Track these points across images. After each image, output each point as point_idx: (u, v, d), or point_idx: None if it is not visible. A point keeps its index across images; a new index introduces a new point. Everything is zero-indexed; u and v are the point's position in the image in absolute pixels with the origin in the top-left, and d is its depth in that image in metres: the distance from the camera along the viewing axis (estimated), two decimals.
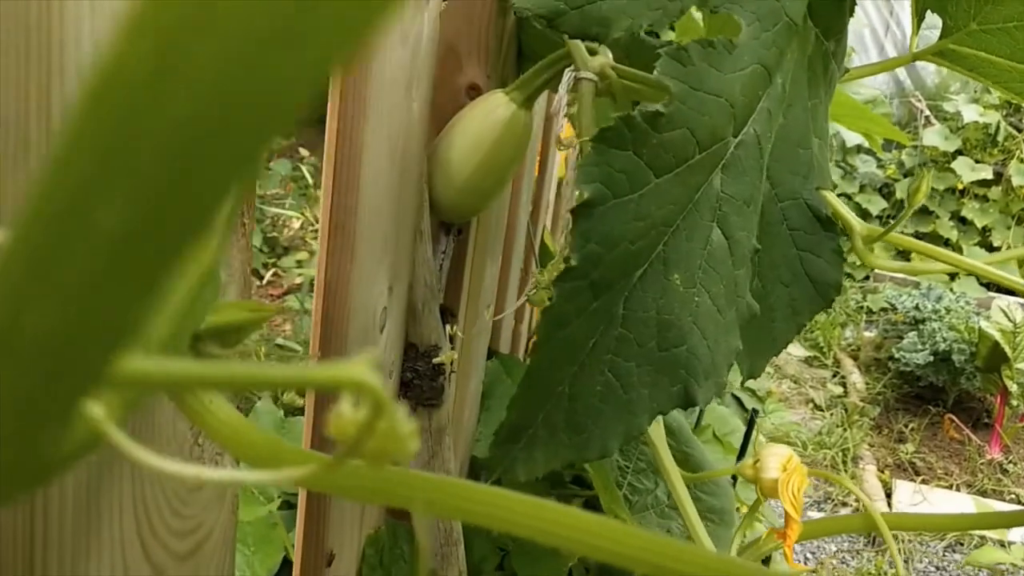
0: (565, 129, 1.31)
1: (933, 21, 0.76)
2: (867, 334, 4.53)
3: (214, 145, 0.10)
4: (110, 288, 0.10)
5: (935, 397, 3.89)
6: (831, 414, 3.81)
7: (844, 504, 3.13)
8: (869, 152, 5.46)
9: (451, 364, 0.74)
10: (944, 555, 2.93)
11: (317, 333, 0.57)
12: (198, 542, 0.41)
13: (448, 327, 0.74)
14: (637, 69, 0.63)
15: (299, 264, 3.79)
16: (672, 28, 1.13)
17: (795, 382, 4.13)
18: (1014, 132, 5.22)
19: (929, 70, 5.59)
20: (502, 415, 0.51)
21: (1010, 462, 3.48)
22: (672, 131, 0.48)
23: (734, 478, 1.25)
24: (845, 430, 3.62)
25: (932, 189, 5.29)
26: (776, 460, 0.71)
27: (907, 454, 3.51)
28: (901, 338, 4.00)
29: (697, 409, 1.71)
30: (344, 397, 0.18)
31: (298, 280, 3.63)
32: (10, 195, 0.27)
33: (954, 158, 5.27)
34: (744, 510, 0.82)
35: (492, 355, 1.19)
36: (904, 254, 4.58)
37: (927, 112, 5.42)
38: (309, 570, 0.62)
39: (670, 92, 0.48)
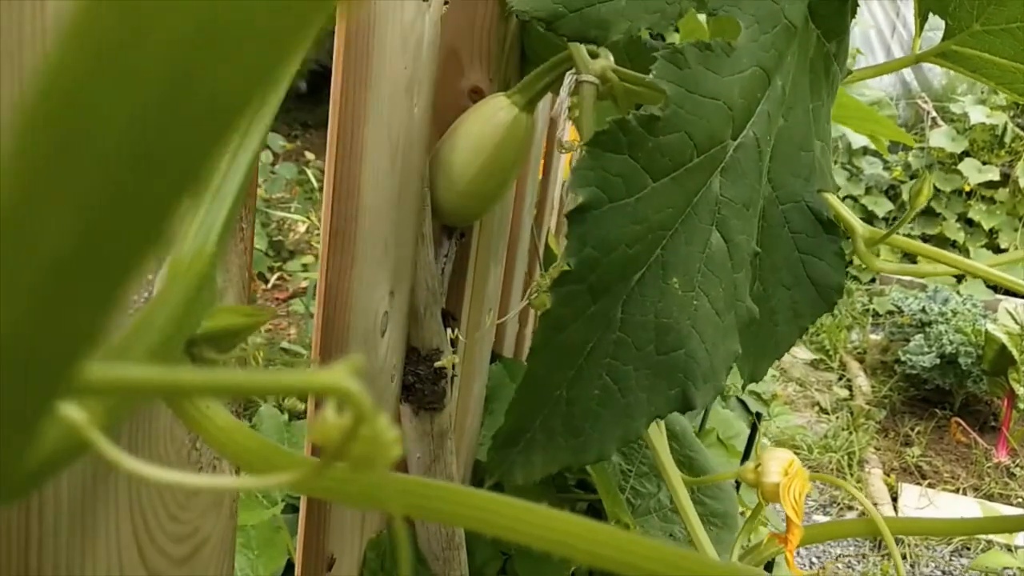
0: (569, 132, 1.31)
1: (937, 22, 0.76)
2: (873, 337, 4.52)
3: (158, 151, 0.10)
4: (61, 301, 0.10)
5: (941, 400, 3.88)
6: (837, 417, 3.80)
7: (850, 508, 3.12)
8: (875, 154, 5.45)
9: (453, 368, 0.75)
10: (951, 559, 2.91)
11: (318, 337, 0.57)
12: (195, 546, 0.41)
13: (450, 331, 0.74)
14: (639, 72, 0.63)
15: (304, 268, 3.80)
16: (677, 30, 1.13)
17: (801, 385, 4.12)
18: (1021, 133, 5.21)
19: (936, 71, 5.57)
20: None
21: (1017, 466, 3.47)
22: (669, 134, 0.48)
23: (738, 482, 1.25)
24: (851, 433, 3.60)
25: (938, 191, 5.27)
26: (777, 464, 0.71)
27: (913, 457, 3.49)
28: (907, 341, 3.99)
29: (701, 412, 1.70)
30: (328, 403, 0.18)
31: (303, 284, 3.64)
32: None
33: (961, 160, 5.26)
34: (748, 514, 0.82)
35: (496, 359, 1.19)
36: (911, 256, 4.56)
37: (934, 113, 5.41)
38: (310, 574, 0.62)
39: (666, 95, 0.47)
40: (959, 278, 4.69)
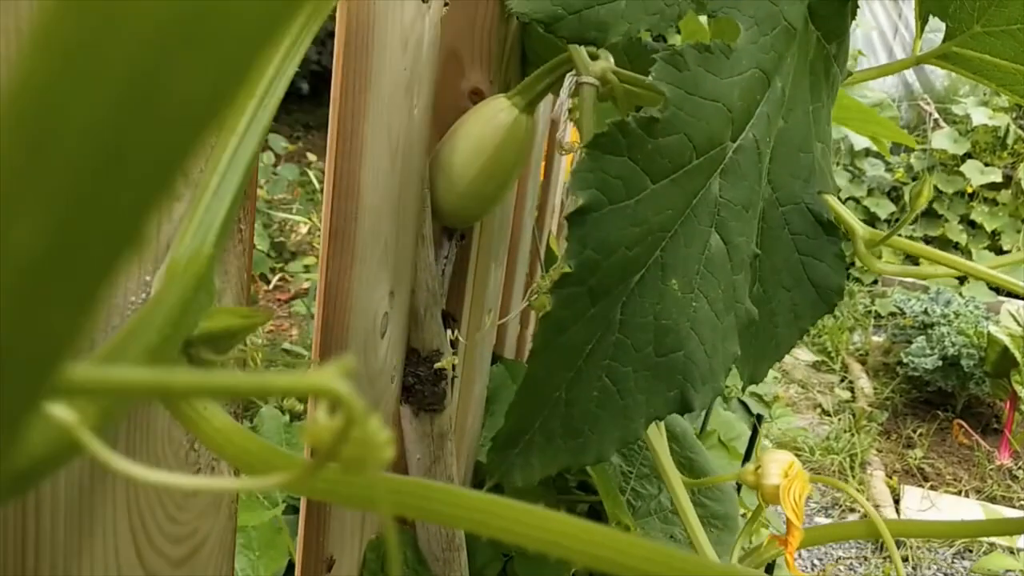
0: (571, 133, 1.31)
1: (939, 24, 0.76)
2: (875, 338, 4.51)
3: (127, 152, 0.10)
4: (36, 302, 0.10)
5: (944, 402, 3.88)
6: (839, 419, 3.80)
7: (852, 510, 3.11)
8: (877, 156, 5.45)
9: (453, 369, 0.74)
10: (953, 562, 2.91)
11: (318, 338, 0.57)
12: (194, 547, 0.41)
13: (450, 332, 0.74)
14: (639, 74, 0.63)
15: (306, 269, 3.81)
16: (678, 32, 1.13)
17: (803, 387, 4.12)
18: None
19: (938, 73, 5.57)
20: None
21: (1019, 468, 3.46)
22: (668, 136, 0.48)
23: (739, 484, 1.25)
24: (853, 435, 3.60)
25: (941, 192, 5.27)
26: (778, 466, 0.71)
27: (915, 459, 3.49)
28: (910, 343, 3.98)
29: (702, 414, 1.70)
30: (320, 405, 0.18)
31: (305, 285, 3.65)
32: None
33: (963, 161, 5.25)
34: (749, 516, 0.82)
35: (498, 360, 1.19)
36: (914, 258, 4.56)
37: (936, 115, 5.40)
38: (309, 575, 0.62)
39: (665, 97, 0.47)
40: (961, 280, 4.69)
